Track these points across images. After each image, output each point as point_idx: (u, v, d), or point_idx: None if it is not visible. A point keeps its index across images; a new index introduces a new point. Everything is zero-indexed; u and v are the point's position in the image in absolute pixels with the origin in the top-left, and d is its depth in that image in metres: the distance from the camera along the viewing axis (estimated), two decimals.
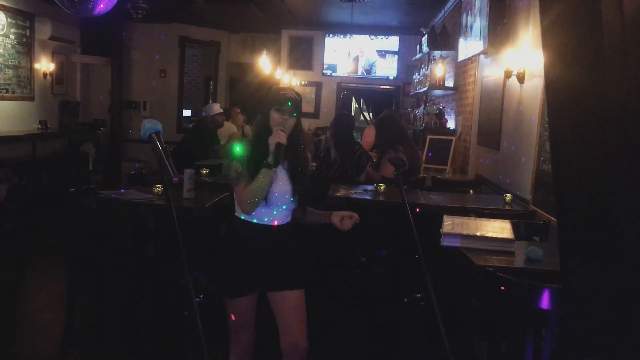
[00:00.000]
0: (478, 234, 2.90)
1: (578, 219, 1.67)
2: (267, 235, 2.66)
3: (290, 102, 2.63)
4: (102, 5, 4.86)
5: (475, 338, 3.04)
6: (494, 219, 3.18)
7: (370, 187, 4.59)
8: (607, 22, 1.30)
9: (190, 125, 10.58)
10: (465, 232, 2.92)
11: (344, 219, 2.72)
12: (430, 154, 6.77)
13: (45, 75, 8.93)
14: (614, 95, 1.32)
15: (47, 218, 6.82)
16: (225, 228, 2.81)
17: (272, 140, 2.57)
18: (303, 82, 10.50)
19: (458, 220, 3.10)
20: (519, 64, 4.63)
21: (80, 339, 3.64)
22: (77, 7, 4.81)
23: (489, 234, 2.90)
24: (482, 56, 5.82)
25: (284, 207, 2.69)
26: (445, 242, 2.90)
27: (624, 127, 1.33)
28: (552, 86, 1.70)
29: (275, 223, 2.68)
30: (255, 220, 2.66)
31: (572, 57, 1.49)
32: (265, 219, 2.66)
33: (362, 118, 11.91)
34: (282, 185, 2.68)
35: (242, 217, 2.67)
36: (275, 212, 2.68)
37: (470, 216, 3.55)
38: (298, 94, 2.74)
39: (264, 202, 2.61)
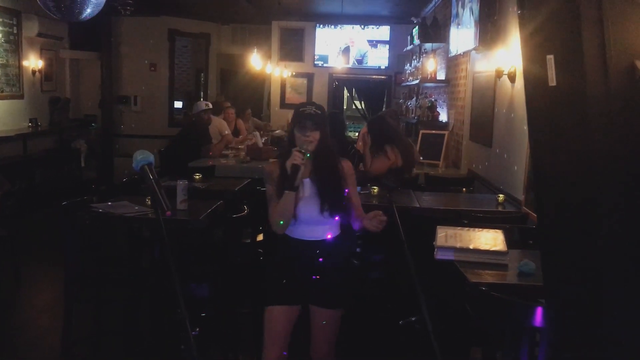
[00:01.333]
0: (471, 246, 2.92)
1: (559, 227, 1.69)
2: (306, 250, 2.71)
3: (309, 118, 2.65)
4: (88, 10, 4.81)
5: (470, 349, 3.08)
6: (486, 229, 3.20)
7: (363, 190, 4.59)
8: (587, 26, 1.30)
9: (181, 117, 10.54)
10: (458, 244, 2.94)
11: (372, 220, 2.68)
12: (422, 151, 6.78)
13: (34, 72, 8.84)
14: (595, 97, 1.32)
15: (42, 220, 6.80)
16: (267, 242, 2.87)
17: (288, 163, 2.60)
18: (294, 74, 10.44)
19: (451, 231, 3.11)
20: (510, 63, 4.62)
21: (78, 351, 3.65)
22: (64, 12, 4.75)
23: (483, 247, 2.92)
24: (473, 51, 5.81)
25: (322, 222, 2.71)
26: (439, 255, 2.92)
27: (605, 129, 1.33)
28: (531, 88, 1.69)
29: (315, 238, 2.72)
30: (295, 237, 2.72)
31: (552, 60, 1.48)
32: (305, 235, 2.71)
33: (354, 107, 11.89)
34: (309, 201, 2.70)
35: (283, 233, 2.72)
36: (313, 228, 2.71)
37: (464, 223, 3.57)
38: (319, 108, 2.74)
39: (293, 220, 2.67)
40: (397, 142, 5.16)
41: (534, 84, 1.53)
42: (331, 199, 2.71)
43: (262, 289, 2.79)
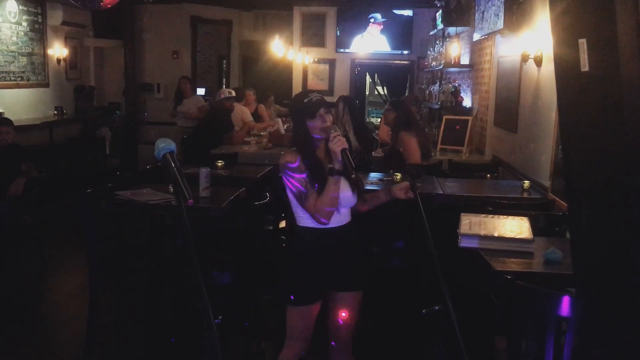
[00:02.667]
0: (496, 234, 2.87)
1: (591, 216, 1.63)
2: (334, 238, 2.68)
3: (321, 104, 2.63)
4: None
5: (494, 338, 3.04)
6: (512, 217, 3.14)
7: (385, 177, 4.56)
8: (621, 8, 1.23)
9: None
10: (483, 232, 2.89)
11: (408, 191, 2.68)
12: (446, 136, 6.70)
13: (59, 60, 8.93)
14: (630, 83, 1.25)
15: (67, 207, 6.89)
16: (288, 238, 2.82)
17: (336, 148, 2.53)
18: (316, 60, 10.38)
19: (475, 219, 3.07)
20: (536, 46, 4.52)
21: (102, 338, 3.69)
22: (85, 0, 4.80)
23: (507, 234, 2.87)
24: (498, 35, 5.69)
25: (349, 206, 2.72)
26: (463, 243, 2.88)
27: None
28: (562, 74, 1.61)
29: (340, 224, 2.69)
30: (322, 227, 2.65)
31: (584, 44, 1.41)
32: (334, 222, 2.66)
33: (376, 93, 11.78)
34: (344, 186, 2.67)
35: (306, 226, 2.68)
36: (343, 213, 2.69)
37: (488, 209, 3.52)
38: (319, 92, 2.76)
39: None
40: (415, 129, 5.11)
41: (565, 69, 1.47)
42: (359, 180, 2.70)
43: (285, 286, 2.74)
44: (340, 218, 2.70)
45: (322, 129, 2.61)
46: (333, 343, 2.79)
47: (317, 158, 2.65)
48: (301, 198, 2.61)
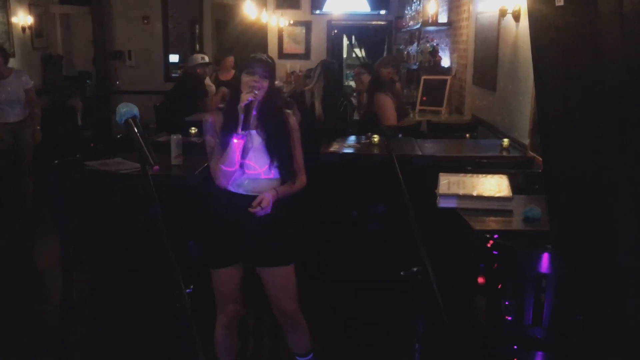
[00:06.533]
0: (475, 193, 2.83)
1: (567, 170, 1.58)
2: (245, 206, 2.54)
3: (259, 64, 2.54)
4: None
5: (474, 298, 3.02)
6: (490, 175, 3.09)
7: (363, 139, 4.48)
8: None
9: (178, 72, 10.31)
10: (461, 192, 2.84)
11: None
12: (424, 97, 6.61)
13: (24, 29, 8.60)
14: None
15: (39, 180, 6.72)
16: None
17: (242, 101, 2.47)
18: (291, 22, 10.15)
19: (454, 178, 3.02)
20: (514, 0, 4.42)
21: (78, 312, 3.61)
22: None
23: (486, 193, 2.83)
24: None
25: (268, 177, 2.60)
26: (442, 203, 2.84)
27: (620, 68, 1.20)
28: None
29: (253, 193, 2.57)
30: (234, 191, 2.59)
31: None
32: (245, 190, 2.58)
33: (354, 56, 11.61)
34: (257, 153, 2.58)
35: (218, 186, 2.61)
36: (255, 183, 2.59)
37: (467, 169, 3.47)
38: (270, 58, 2.65)
39: (240, 172, 2.55)
40: (390, 89, 5.01)
41: (540, 21, 1.39)
42: (280, 153, 2.60)
43: (206, 249, 2.71)
44: (256, 186, 2.58)
45: (249, 85, 2.51)
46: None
47: (237, 116, 2.52)
48: (208, 157, 2.65)
